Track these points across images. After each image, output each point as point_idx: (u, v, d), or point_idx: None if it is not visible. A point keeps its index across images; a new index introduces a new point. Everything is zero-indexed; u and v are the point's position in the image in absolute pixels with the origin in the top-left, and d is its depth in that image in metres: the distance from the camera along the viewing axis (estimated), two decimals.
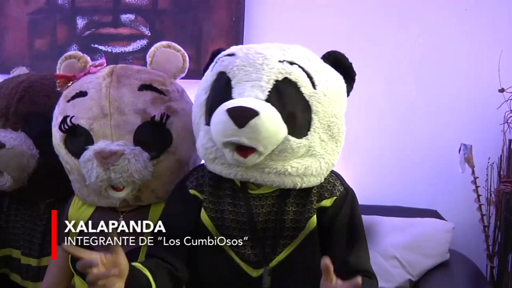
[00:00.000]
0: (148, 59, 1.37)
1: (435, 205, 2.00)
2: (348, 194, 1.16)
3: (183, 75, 1.39)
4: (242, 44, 2.19)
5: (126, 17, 2.33)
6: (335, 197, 1.14)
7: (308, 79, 1.08)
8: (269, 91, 1.05)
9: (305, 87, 1.07)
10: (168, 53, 1.37)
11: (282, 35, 2.07)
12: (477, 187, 1.90)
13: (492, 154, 1.95)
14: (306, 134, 1.08)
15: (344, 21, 2.13)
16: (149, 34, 2.30)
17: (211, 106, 1.10)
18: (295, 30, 2.13)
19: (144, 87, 1.27)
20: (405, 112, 2.11)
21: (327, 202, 1.14)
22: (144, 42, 2.31)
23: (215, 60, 1.16)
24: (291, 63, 1.08)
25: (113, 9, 2.34)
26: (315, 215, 1.13)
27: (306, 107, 1.08)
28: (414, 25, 2.09)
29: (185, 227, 1.17)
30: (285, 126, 1.05)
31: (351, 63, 1.17)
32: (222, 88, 1.09)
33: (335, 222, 1.14)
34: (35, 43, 2.42)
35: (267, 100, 1.04)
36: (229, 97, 1.07)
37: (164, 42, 1.38)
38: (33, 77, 1.44)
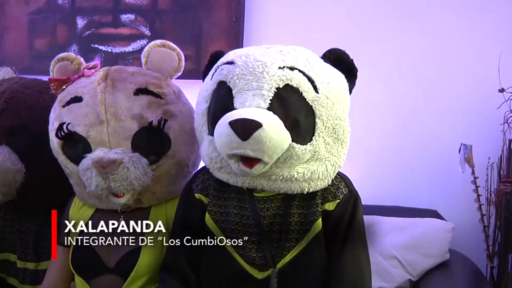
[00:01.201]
0: (143, 59, 1.34)
1: (435, 205, 2.00)
2: (351, 196, 1.15)
3: (179, 74, 1.37)
4: (242, 44, 2.20)
5: (126, 17, 2.32)
6: (338, 201, 1.13)
7: (309, 83, 1.07)
8: (271, 99, 1.04)
9: (307, 92, 1.06)
10: (163, 53, 1.34)
11: (282, 35, 2.08)
12: (477, 187, 1.90)
13: (492, 154, 1.95)
14: (311, 140, 1.08)
15: (344, 21, 2.13)
16: (149, 34, 2.30)
17: (213, 116, 1.10)
18: (295, 30, 2.13)
19: (140, 91, 1.25)
20: (405, 112, 2.11)
21: (330, 206, 1.13)
22: (144, 42, 2.30)
23: (214, 68, 1.15)
24: (292, 68, 1.07)
25: (113, 9, 2.34)
26: (320, 219, 1.12)
27: (309, 112, 1.07)
28: (414, 25, 2.09)
29: (193, 232, 1.18)
30: (288, 134, 1.04)
31: (352, 60, 1.15)
32: (223, 98, 1.08)
33: (337, 226, 1.13)
34: (35, 43, 2.42)
35: (269, 109, 1.03)
36: (231, 107, 1.06)
37: (158, 41, 1.35)
38: (14, 86, 1.38)
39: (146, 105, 1.24)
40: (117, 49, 2.33)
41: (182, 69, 1.37)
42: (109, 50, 2.33)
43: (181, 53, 1.36)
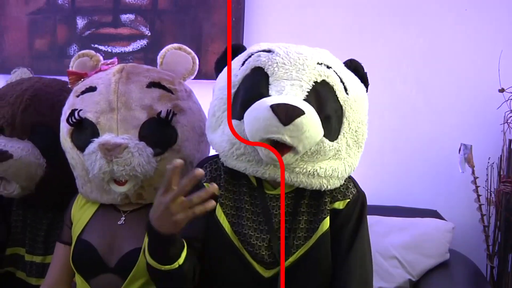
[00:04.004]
0: (159, 60, 1.39)
1: (435, 205, 2.00)
2: (360, 197, 1.17)
3: (192, 77, 1.41)
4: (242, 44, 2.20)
5: (126, 17, 2.33)
6: (348, 200, 1.15)
7: (341, 84, 1.09)
8: (308, 92, 1.05)
9: (340, 92, 1.09)
10: (179, 55, 1.38)
11: (282, 35, 2.08)
12: (477, 187, 1.90)
13: (492, 154, 1.95)
14: (337, 138, 1.09)
15: (344, 21, 2.13)
16: (149, 34, 2.30)
17: (243, 101, 1.08)
18: (295, 30, 2.14)
19: (153, 84, 1.28)
20: (405, 112, 2.11)
21: (340, 204, 1.14)
22: (144, 42, 2.31)
23: (247, 54, 1.14)
24: (328, 66, 1.09)
25: (113, 9, 2.34)
26: (328, 217, 1.13)
27: (340, 111, 1.10)
28: (414, 25, 2.09)
29: (201, 224, 1.15)
30: (322, 128, 1.05)
31: (366, 73, 1.20)
32: (258, 84, 1.08)
33: (345, 225, 1.14)
34: (35, 43, 2.43)
35: (306, 100, 1.04)
36: (265, 93, 1.06)
37: (175, 45, 1.40)
38: (37, 85, 1.42)
39: (157, 97, 1.26)
40: (117, 49, 2.33)
41: (196, 72, 1.40)
42: (109, 50, 2.34)
43: (196, 57, 1.40)
